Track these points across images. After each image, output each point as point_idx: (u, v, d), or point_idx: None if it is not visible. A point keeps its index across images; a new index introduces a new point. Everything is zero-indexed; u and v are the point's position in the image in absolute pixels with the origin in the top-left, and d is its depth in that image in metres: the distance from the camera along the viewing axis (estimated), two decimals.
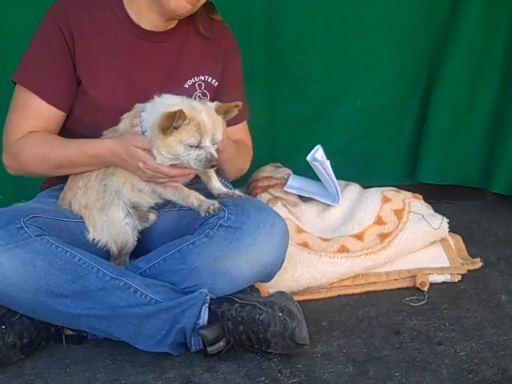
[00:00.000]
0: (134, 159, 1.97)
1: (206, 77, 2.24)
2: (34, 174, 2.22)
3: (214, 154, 1.93)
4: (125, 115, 2.05)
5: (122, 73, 2.15)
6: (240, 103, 2.00)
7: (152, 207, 2.17)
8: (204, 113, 1.93)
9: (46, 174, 2.22)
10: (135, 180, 2.07)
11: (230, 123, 2.07)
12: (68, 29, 2.10)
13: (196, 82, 2.22)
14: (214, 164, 1.93)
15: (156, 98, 1.99)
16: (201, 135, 1.90)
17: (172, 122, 1.86)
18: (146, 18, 2.15)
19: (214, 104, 2.00)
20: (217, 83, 2.26)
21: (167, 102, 1.96)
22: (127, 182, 2.08)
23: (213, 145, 1.94)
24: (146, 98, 2.02)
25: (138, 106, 2.02)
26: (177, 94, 2.01)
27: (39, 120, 2.12)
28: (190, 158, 1.92)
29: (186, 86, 2.21)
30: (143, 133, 1.97)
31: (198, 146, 1.91)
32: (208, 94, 2.24)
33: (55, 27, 2.10)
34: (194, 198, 2.03)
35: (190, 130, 1.90)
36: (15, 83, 2.15)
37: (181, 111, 1.85)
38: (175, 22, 2.18)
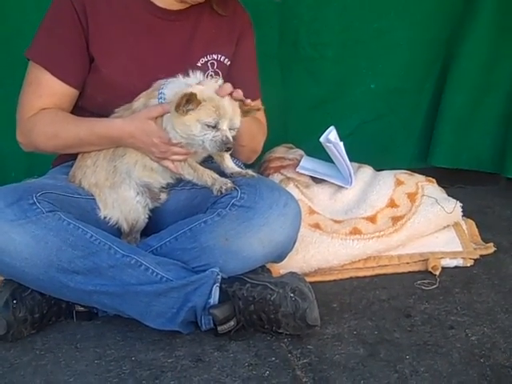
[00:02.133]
0: (147, 136, 1.96)
1: (219, 55, 2.22)
2: (46, 151, 2.21)
3: (230, 137, 1.92)
4: (141, 94, 2.04)
5: (134, 50, 2.13)
6: (261, 106, 2.02)
7: (163, 187, 2.16)
8: (226, 98, 1.92)
9: (57, 151, 2.23)
10: (147, 159, 2.06)
11: None
12: (81, 5, 2.08)
13: (208, 60, 2.21)
14: (229, 147, 1.91)
15: (175, 78, 1.98)
16: (219, 116, 1.89)
17: (182, 102, 1.85)
18: None
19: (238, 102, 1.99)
20: (229, 62, 2.24)
21: (191, 81, 1.96)
22: (138, 163, 2.07)
23: (230, 130, 1.93)
24: (158, 76, 2.02)
25: (158, 82, 2.01)
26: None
27: (52, 97, 2.11)
28: (205, 138, 1.91)
29: (199, 65, 2.19)
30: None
31: (216, 127, 1.90)
32: (220, 72, 2.22)
33: (68, 3, 2.08)
34: (208, 177, 2.02)
35: (209, 109, 1.89)
36: (29, 59, 2.14)
37: (191, 94, 1.84)
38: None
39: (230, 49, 2.25)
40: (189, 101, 1.85)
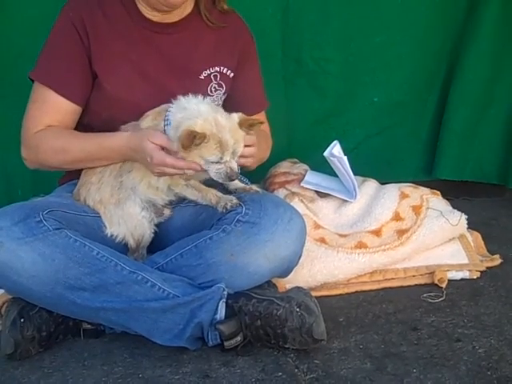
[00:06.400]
0: (143, 153, 1.97)
1: (222, 68, 2.24)
2: (52, 167, 2.22)
3: (235, 168, 1.94)
4: (149, 112, 2.06)
5: (136, 66, 2.16)
6: (264, 120, 2.04)
7: (166, 203, 2.17)
8: (227, 129, 1.92)
9: (63, 166, 2.23)
10: (152, 178, 2.07)
11: (248, 114, 2.05)
12: (82, 24, 2.12)
13: (211, 73, 2.22)
14: (233, 179, 1.96)
15: (181, 98, 1.98)
16: (222, 153, 1.91)
17: (192, 142, 1.86)
18: (147, 13, 2.16)
19: (238, 116, 1.98)
20: (232, 74, 2.26)
21: (196, 106, 1.96)
22: (144, 179, 2.08)
23: (233, 156, 1.95)
24: (161, 90, 2.06)
25: (164, 106, 2.02)
26: (195, 88, 2.03)
27: (56, 115, 2.14)
28: (210, 170, 1.93)
29: (202, 78, 2.21)
30: (164, 131, 1.96)
31: (219, 162, 1.92)
32: (224, 85, 2.24)
33: (69, 23, 2.12)
34: (212, 196, 2.03)
35: (211, 147, 1.90)
36: (33, 80, 2.17)
37: (202, 134, 1.85)
38: (181, 11, 2.17)
39: (232, 60, 2.26)
40: (195, 138, 1.86)
